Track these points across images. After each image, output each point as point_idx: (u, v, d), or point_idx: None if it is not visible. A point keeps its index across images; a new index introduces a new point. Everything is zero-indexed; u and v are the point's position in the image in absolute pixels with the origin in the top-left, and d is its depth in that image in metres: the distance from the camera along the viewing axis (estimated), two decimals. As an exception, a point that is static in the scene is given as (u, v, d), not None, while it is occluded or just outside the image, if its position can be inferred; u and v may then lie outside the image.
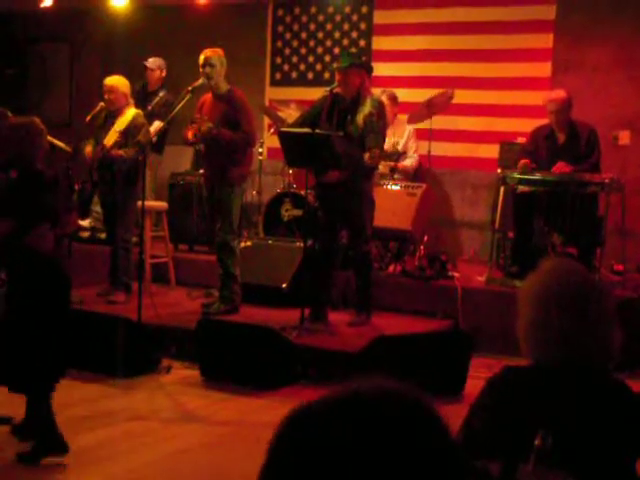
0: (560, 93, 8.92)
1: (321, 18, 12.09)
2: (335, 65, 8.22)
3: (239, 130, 8.28)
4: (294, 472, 1.38)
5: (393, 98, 10.22)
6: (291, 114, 10.19)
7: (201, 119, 8.28)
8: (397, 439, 1.39)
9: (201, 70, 8.37)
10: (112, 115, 9.00)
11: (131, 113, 8.99)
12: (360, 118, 7.91)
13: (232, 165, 8.37)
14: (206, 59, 8.36)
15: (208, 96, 8.56)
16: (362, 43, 11.80)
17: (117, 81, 9.05)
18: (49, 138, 9.96)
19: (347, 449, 1.37)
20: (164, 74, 11.12)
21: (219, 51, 8.47)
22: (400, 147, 10.15)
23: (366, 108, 7.93)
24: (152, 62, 11.07)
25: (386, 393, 1.45)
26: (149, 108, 10.43)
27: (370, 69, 8.33)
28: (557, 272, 2.76)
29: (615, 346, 2.71)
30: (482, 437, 2.66)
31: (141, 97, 10.41)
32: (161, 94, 10.86)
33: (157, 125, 9.70)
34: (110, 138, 8.86)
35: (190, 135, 8.29)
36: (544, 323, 2.69)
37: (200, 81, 8.39)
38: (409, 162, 10.30)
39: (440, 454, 1.43)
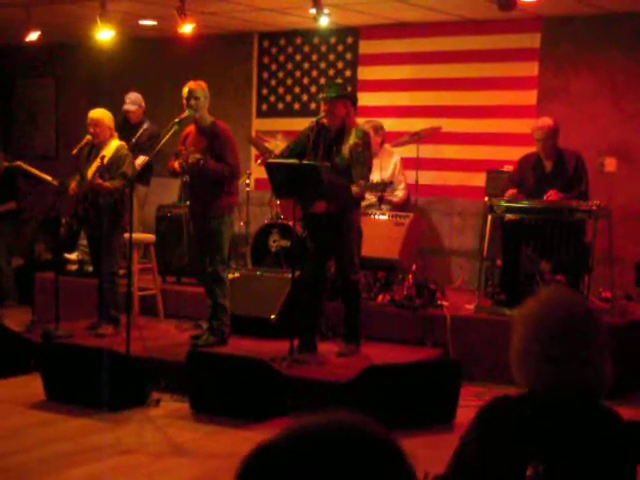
0: (546, 121, 8.94)
1: (307, 49, 12.13)
2: (321, 95, 8.24)
3: (223, 162, 8.28)
4: None
5: (378, 128, 10.25)
6: (278, 145, 10.20)
7: (187, 151, 8.28)
8: (356, 475, 1.39)
9: (185, 103, 8.37)
10: (96, 148, 8.99)
11: (114, 145, 8.99)
12: (346, 149, 7.92)
13: (221, 196, 8.37)
14: (190, 92, 8.36)
15: (192, 128, 8.56)
16: (348, 73, 11.83)
17: (102, 114, 9.05)
18: (36, 172, 9.98)
19: None
20: (143, 108, 11.14)
21: (202, 83, 8.47)
22: (387, 177, 10.15)
23: (351, 139, 7.94)
24: (130, 103, 11.07)
25: (345, 428, 1.45)
26: (133, 141, 10.43)
27: (355, 100, 8.35)
28: (554, 300, 2.75)
29: (608, 375, 2.69)
30: (473, 468, 2.64)
31: (124, 130, 10.39)
32: (145, 126, 10.87)
33: (142, 159, 9.71)
34: (92, 169, 8.86)
35: (177, 165, 8.29)
36: (539, 351, 2.67)
37: (187, 113, 8.39)
38: (398, 194, 10.32)
39: None
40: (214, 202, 8.35)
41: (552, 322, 2.69)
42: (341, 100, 8.03)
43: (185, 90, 8.39)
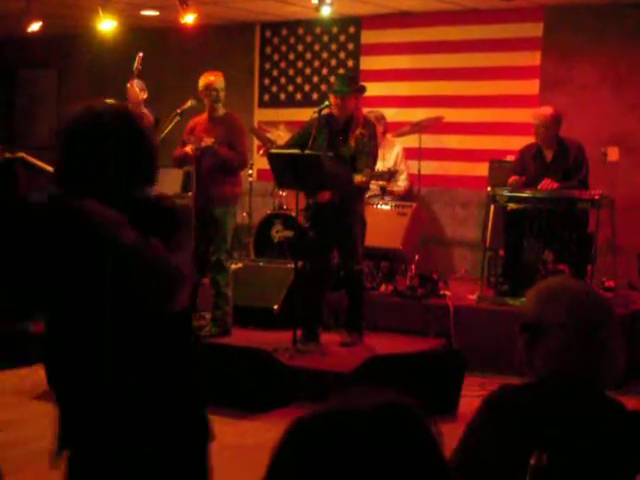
0: (547, 110, 8.93)
1: (309, 39, 12.11)
2: (333, 89, 8.15)
3: (235, 150, 8.34)
4: None
5: (379, 118, 10.23)
6: (280, 135, 10.19)
7: (198, 138, 8.32)
8: (391, 453, 1.44)
9: (203, 93, 8.42)
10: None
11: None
12: (352, 139, 7.91)
13: (226, 185, 8.43)
14: (213, 84, 8.43)
15: (201, 118, 8.59)
16: (350, 63, 11.82)
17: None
18: (39, 163, 9.97)
19: (344, 461, 1.41)
20: (145, 96, 11.11)
21: (221, 74, 8.55)
22: (390, 167, 10.14)
23: (357, 129, 7.93)
24: (136, 82, 11.07)
25: (384, 406, 1.48)
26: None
27: (364, 90, 8.31)
28: (563, 288, 2.74)
29: (620, 365, 2.70)
30: (478, 457, 2.64)
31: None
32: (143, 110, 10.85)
33: None
34: None
35: (189, 150, 8.31)
36: (552, 339, 2.67)
37: (189, 103, 8.42)
38: (401, 184, 10.31)
39: (429, 470, 1.46)
40: (220, 191, 8.39)
41: (564, 310, 2.68)
42: (354, 95, 8.02)
43: (204, 82, 8.44)
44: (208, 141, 8.25)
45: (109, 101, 9.08)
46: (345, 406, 1.48)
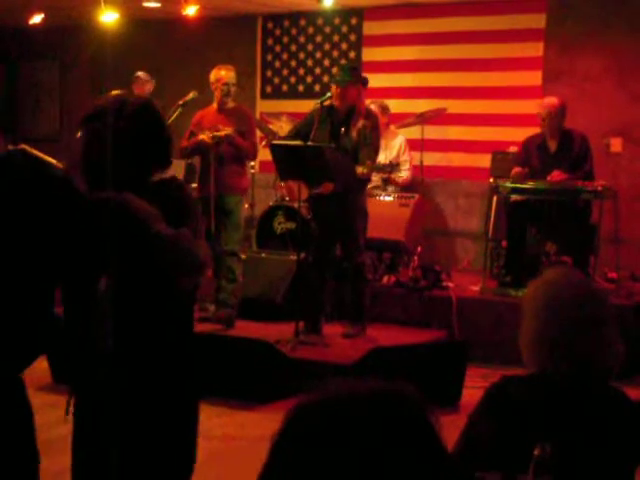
0: (553, 100, 8.91)
1: (311, 30, 12.09)
2: (334, 79, 8.16)
3: (248, 141, 8.50)
4: (294, 468, 1.45)
5: (384, 108, 10.22)
6: (282, 127, 10.19)
7: (215, 128, 8.36)
8: (389, 439, 1.46)
9: (215, 86, 8.49)
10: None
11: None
12: (354, 131, 7.91)
13: (240, 176, 8.63)
14: (224, 77, 8.54)
15: (208, 110, 8.64)
16: (352, 54, 11.80)
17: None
18: (41, 155, 9.99)
19: (342, 447, 1.43)
20: (152, 88, 11.14)
21: (232, 68, 8.68)
22: (392, 158, 10.13)
23: (360, 121, 7.92)
24: (144, 74, 11.11)
25: (381, 392, 1.49)
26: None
27: (366, 82, 8.31)
28: (561, 281, 2.74)
29: (619, 356, 2.70)
30: (481, 447, 2.64)
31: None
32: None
33: None
34: None
35: (206, 137, 8.33)
36: (549, 333, 2.67)
37: (191, 95, 8.45)
38: (404, 175, 10.30)
39: (430, 459, 1.46)
40: (234, 182, 8.52)
41: (561, 303, 2.68)
42: (354, 85, 8.01)
43: (215, 76, 8.57)
44: (228, 130, 8.31)
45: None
46: (342, 393, 1.49)
